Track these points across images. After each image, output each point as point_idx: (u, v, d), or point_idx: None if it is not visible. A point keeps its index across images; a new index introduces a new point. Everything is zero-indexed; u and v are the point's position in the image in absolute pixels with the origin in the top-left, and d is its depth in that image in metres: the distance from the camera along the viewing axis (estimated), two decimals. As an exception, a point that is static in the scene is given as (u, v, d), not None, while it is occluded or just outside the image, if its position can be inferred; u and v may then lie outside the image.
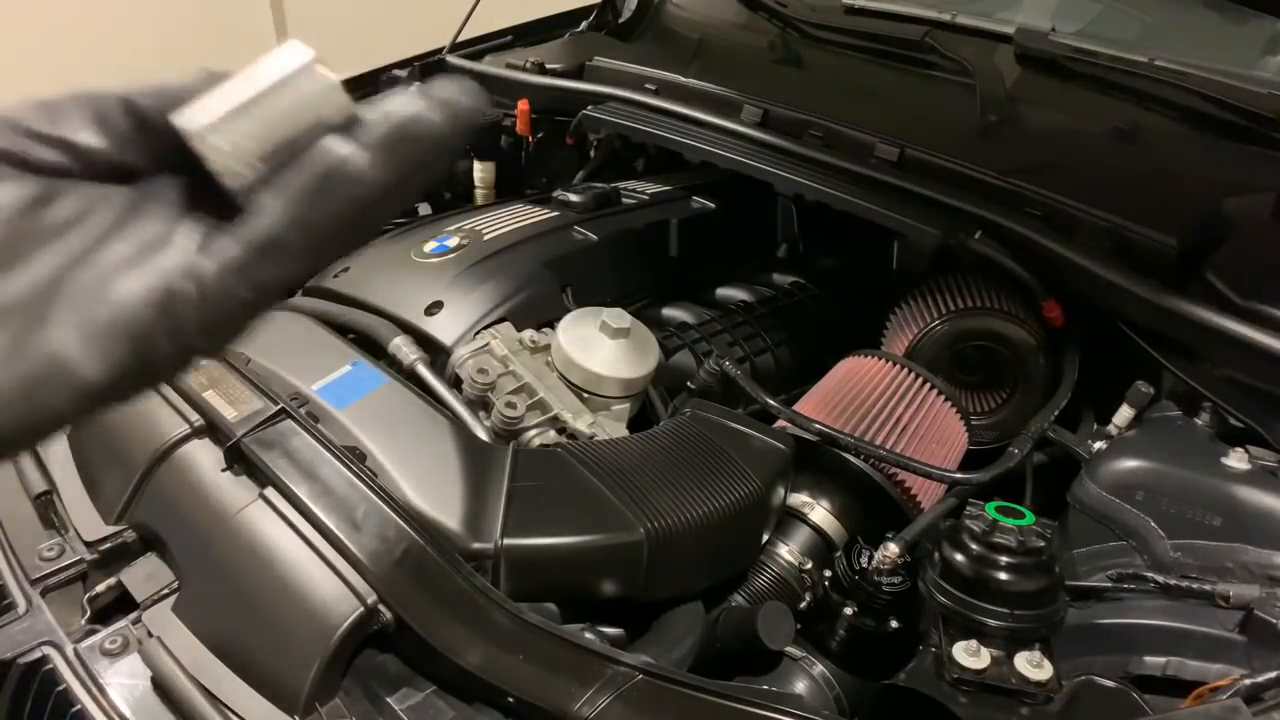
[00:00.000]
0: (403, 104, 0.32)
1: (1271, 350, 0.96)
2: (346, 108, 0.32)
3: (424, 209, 1.58)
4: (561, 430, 1.04)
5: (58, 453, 0.98)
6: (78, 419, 0.32)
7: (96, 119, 0.32)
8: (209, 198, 0.32)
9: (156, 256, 0.32)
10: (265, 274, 0.32)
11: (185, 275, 0.31)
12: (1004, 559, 0.79)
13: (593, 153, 1.65)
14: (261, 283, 0.32)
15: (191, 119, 0.31)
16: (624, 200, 1.46)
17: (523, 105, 1.59)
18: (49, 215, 0.32)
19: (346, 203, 0.32)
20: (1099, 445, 1.03)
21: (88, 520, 0.90)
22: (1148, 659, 0.84)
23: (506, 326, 1.13)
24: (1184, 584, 0.86)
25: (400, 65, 1.87)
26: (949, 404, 1.16)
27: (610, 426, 1.07)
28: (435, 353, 1.10)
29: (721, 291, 1.46)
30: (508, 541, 0.83)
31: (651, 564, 0.86)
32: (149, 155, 0.33)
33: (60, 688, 0.75)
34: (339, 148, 0.31)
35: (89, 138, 0.32)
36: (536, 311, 1.17)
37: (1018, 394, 1.23)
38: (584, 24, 1.99)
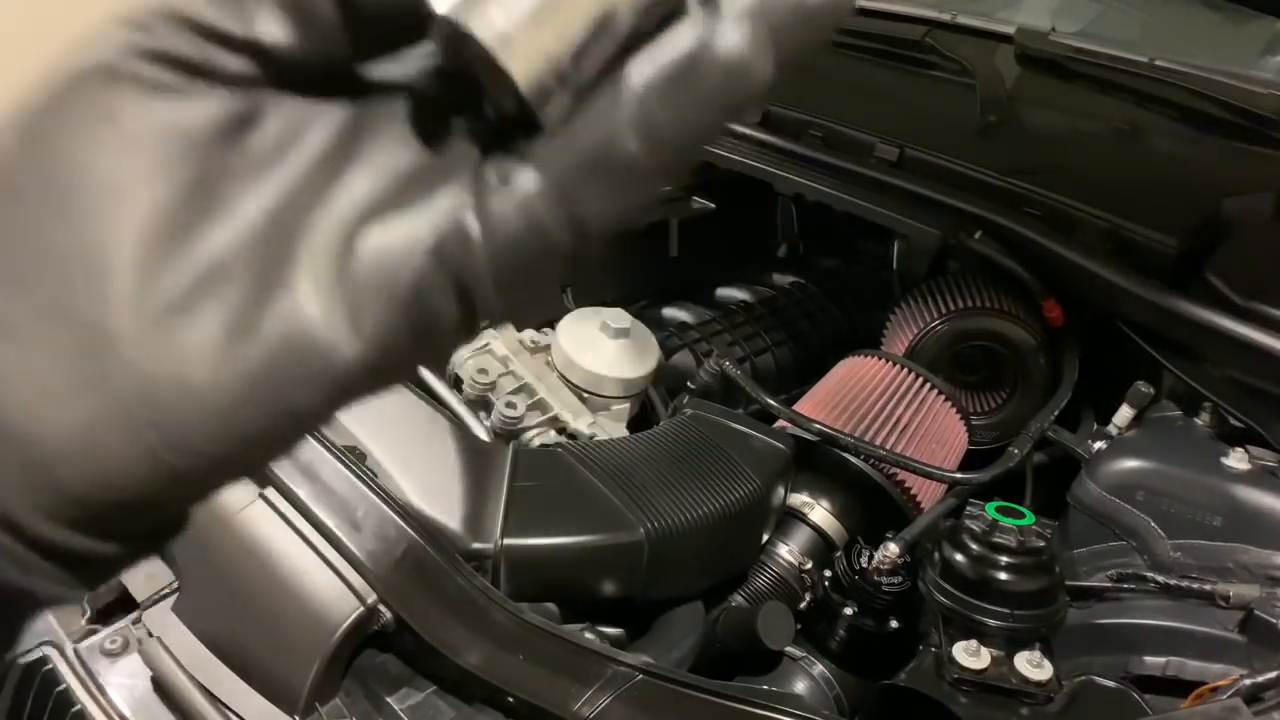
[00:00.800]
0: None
1: (1271, 350, 0.96)
2: None
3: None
4: (561, 430, 1.04)
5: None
6: (323, 420, 0.24)
7: (293, 8, 0.23)
8: (470, 110, 0.24)
9: (427, 192, 0.24)
10: (592, 206, 0.23)
11: (474, 215, 0.23)
12: (1004, 559, 0.79)
13: (593, 153, 1.65)
14: (583, 218, 0.23)
15: (457, 6, 0.22)
16: (624, 200, 1.46)
17: (523, 105, 1.59)
18: (254, 142, 0.24)
19: (716, 101, 0.22)
20: (1099, 445, 1.03)
21: (88, 520, 0.90)
22: (1148, 659, 0.84)
23: (506, 326, 1.13)
24: (1184, 584, 0.86)
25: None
26: (949, 404, 1.16)
27: (610, 426, 1.07)
28: (435, 353, 1.10)
29: (721, 291, 1.46)
30: (508, 541, 0.83)
31: (651, 564, 0.86)
32: (367, 55, 0.25)
33: (60, 688, 0.75)
34: (699, 28, 0.22)
35: (285, 35, 0.23)
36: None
37: (1018, 394, 1.23)
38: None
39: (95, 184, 0.22)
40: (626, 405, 1.10)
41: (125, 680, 0.76)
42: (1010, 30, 1.49)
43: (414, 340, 0.24)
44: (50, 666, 0.77)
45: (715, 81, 0.22)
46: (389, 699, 0.73)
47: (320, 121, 0.24)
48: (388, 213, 0.24)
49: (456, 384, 1.06)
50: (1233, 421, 0.99)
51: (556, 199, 0.23)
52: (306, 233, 0.23)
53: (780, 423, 1.09)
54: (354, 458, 0.85)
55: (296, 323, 0.23)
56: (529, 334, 1.12)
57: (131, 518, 0.24)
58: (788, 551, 1.01)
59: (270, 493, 0.83)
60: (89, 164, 0.22)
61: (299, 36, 0.23)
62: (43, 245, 0.22)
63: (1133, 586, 0.89)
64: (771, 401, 1.09)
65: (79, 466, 0.22)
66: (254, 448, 0.24)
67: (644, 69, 0.22)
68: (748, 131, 1.39)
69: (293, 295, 0.23)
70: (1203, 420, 1.01)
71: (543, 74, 0.22)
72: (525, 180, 0.23)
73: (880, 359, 1.19)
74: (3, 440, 0.22)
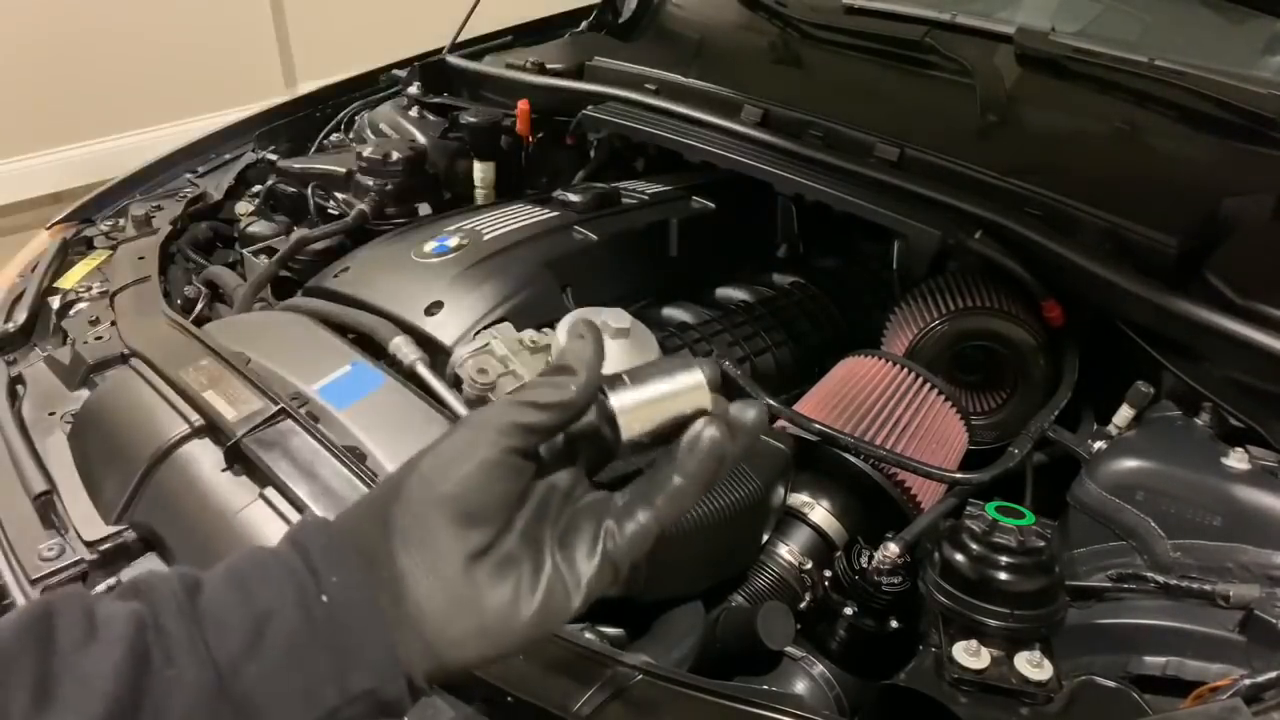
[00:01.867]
0: (749, 412, 0.51)
1: (1271, 350, 0.96)
2: (707, 404, 0.50)
3: (424, 209, 1.58)
4: (561, 430, 1.04)
5: (58, 452, 0.98)
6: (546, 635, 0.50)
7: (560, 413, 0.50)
8: (593, 453, 0.52)
9: (618, 522, 0.49)
10: (672, 514, 0.49)
11: (634, 537, 0.49)
12: (1004, 559, 0.79)
13: (593, 153, 1.65)
14: (669, 519, 0.49)
15: (616, 399, 0.50)
16: (624, 200, 1.46)
17: (523, 105, 1.59)
18: (535, 490, 0.50)
19: (722, 468, 0.49)
20: (1099, 445, 1.03)
21: (88, 520, 0.90)
22: (1148, 659, 0.84)
23: (507, 327, 1.13)
24: (1184, 584, 0.86)
25: (400, 65, 1.88)
26: (949, 404, 1.16)
27: (610, 426, 1.07)
28: (435, 353, 1.10)
29: (721, 291, 1.46)
30: (508, 541, 0.83)
31: (651, 564, 0.86)
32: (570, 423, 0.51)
33: (60, 688, 0.75)
34: (724, 434, 0.49)
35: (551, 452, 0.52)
36: (536, 312, 1.17)
37: (1018, 394, 1.23)
38: (584, 24, 1.99)
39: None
40: (626, 405, 1.10)
41: (125, 680, 0.75)
42: (1010, 30, 1.49)
43: (599, 592, 0.50)
44: (50, 666, 0.77)
45: (724, 461, 0.50)
46: (389, 699, 0.73)
47: (563, 475, 0.52)
48: (602, 526, 0.50)
49: (456, 384, 1.06)
50: (1233, 421, 0.99)
51: (657, 517, 0.49)
52: (576, 538, 0.50)
53: (780, 423, 1.09)
54: (354, 458, 0.85)
55: (554, 584, 0.48)
56: (529, 334, 1.12)
57: (460, 678, 0.51)
58: (788, 551, 1.01)
59: (270, 492, 0.83)
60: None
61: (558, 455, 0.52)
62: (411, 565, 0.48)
63: (1133, 586, 0.89)
64: (771, 401, 1.09)
65: (451, 654, 0.48)
66: (520, 649, 0.49)
67: (693, 454, 0.50)
68: (748, 131, 1.39)
69: (552, 570, 0.49)
70: (1203, 420, 1.01)
71: (631, 433, 0.50)
72: (647, 509, 0.50)
73: (880, 359, 1.19)
74: (421, 640, 0.47)
